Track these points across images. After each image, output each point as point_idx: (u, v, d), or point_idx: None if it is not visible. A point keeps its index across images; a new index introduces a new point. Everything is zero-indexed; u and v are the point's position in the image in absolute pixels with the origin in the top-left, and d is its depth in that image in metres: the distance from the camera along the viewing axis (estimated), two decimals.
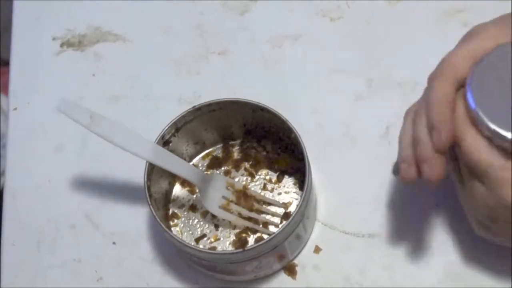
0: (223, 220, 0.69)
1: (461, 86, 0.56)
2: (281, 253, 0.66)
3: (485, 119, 0.54)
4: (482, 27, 0.58)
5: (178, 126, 0.68)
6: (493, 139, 0.54)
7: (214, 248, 0.69)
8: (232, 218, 0.68)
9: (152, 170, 0.66)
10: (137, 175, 0.67)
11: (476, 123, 0.55)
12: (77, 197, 0.74)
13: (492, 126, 0.54)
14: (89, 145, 0.76)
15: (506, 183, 0.53)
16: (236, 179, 0.71)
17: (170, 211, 0.71)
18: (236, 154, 0.73)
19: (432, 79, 0.57)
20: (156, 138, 0.67)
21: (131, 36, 0.82)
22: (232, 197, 0.69)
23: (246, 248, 0.62)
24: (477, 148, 0.54)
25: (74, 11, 0.84)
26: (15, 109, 0.80)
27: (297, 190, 0.71)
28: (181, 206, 0.71)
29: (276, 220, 0.70)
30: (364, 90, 0.76)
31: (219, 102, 0.68)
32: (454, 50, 0.58)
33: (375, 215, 0.70)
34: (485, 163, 0.54)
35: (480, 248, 0.66)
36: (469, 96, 0.55)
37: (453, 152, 0.58)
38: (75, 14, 0.84)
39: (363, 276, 0.68)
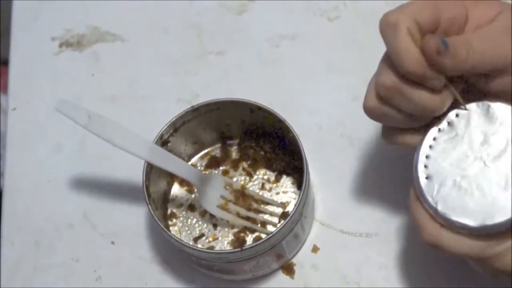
0: (221, 219, 0.69)
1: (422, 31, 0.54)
2: (279, 253, 0.66)
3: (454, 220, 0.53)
4: None
5: (177, 126, 0.68)
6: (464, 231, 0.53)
7: (212, 247, 0.69)
8: (230, 217, 0.69)
9: (151, 170, 0.66)
10: (136, 175, 0.67)
11: (441, 222, 0.54)
12: (76, 196, 0.75)
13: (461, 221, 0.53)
14: (87, 145, 0.77)
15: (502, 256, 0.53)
16: (234, 179, 0.72)
17: (169, 211, 0.71)
18: (234, 153, 0.73)
19: (393, 21, 0.54)
20: (155, 138, 0.67)
21: (130, 36, 0.82)
22: (230, 196, 0.69)
23: (244, 248, 0.62)
24: (457, 244, 0.53)
25: (73, 11, 0.84)
26: (14, 109, 0.80)
27: (295, 189, 0.71)
28: (180, 206, 0.71)
29: (274, 219, 0.70)
30: (362, 90, 0.75)
31: (217, 102, 0.68)
32: (418, 1, 0.55)
33: (373, 214, 0.70)
34: (476, 251, 0.53)
35: None
36: (424, 196, 0.55)
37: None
38: (74, 14, 0.84)
39: (361, 275, 0.68)
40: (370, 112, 0.57)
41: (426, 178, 0.55)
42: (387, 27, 0.54)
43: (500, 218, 0.52)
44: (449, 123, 0.56)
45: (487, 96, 0.56)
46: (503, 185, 0.53)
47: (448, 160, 0.55)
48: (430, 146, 0.56)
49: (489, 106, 0.55)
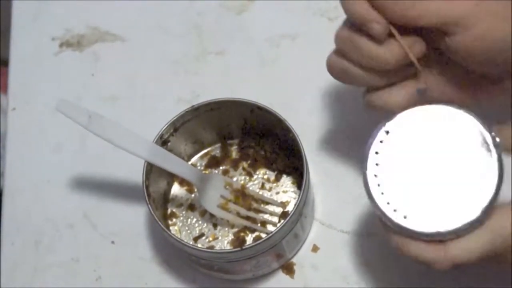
0: (221, 219, 0.69)
1: None
2: (279, 252, 0.66)
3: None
4: None
5: (177, 126, 0.69)
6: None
7: (212, 247, 0.69)
8: (230, 217, 0.69)
9: (151, 169, 0.66)
10: (136, 175, 0.67)
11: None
12: (76, 196, 0.75)
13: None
14: (87, 145, 0.77)
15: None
16: (234, 179, 0.72)
17: (169, 211, 0.71)
18: (234, 153, 0.73)
19: None
20: (155, 138, 0.67)
21: (130, 36, 0.83)
22: (230, 196, 0.69)
23: (244, 247, 0.62)
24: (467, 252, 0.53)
25: (73, 11, 0.84)
26: (14, 109, 0.80)
27: (295, 189, 0.71)
28: (180, 206, 0.71)
29: (274, 219, 0.70)
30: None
31: (217, 102, 0.68)
32: None
33: (373, 214, 0.70)
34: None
35: None
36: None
37: None
38: (74, 14, 0.84)
39: (361, 275, 0.68)
40: (330, 67, 0.59)
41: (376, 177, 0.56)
42: None
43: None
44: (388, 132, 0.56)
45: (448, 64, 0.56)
46: (450, 192, 0.54)
47: (396, 172, 0.55)
48: (376, 164, 0.56)
49: (439, 108, 0.56)
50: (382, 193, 0.55)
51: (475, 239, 0.53)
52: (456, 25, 0.53)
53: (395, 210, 0.54)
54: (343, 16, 0.80)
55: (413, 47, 0.55)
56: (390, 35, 0.55)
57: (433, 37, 0.55)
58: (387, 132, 0.56)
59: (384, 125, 0.56)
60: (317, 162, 0.72)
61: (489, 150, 0.54)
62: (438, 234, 0.53)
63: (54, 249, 0.73)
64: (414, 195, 0.54)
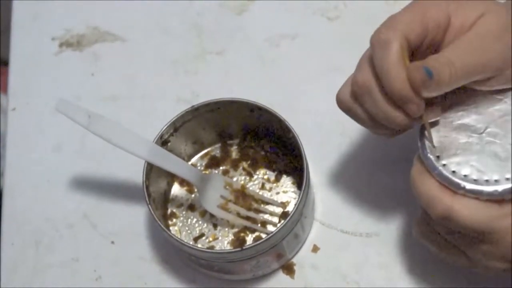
0: (222, 219, 0.69)
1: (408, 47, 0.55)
2: (279, 252, 0.66)
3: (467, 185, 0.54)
4: None
5: (177, 126, 0.69)
6: (480, 197, 0.54)
7: (212, 247, 0.69)
8: (231, 217, 0.69)
9: (151, 169, 0.66)
10: (136, 175, 0.67)
11: (455, 190, 0.54)
12: (76, 196, 0.75)
13: (477, 188, 0.53)
14: (87, 145, 0.77)
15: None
16: (235, 179, 0.72)
17: (169, 211, 0.71)
18: (234, 153, 0.73)
19: (384, 39, 0.54)
20: (155, 138, 0.67)
21: (130, 36, 0.83)
22: (230, 196, 0.69)
23: (244, 247, 0.62)
24: (469, 212, 0.53)
25: (73, 11, 0.84)
26: (14, 109, 0.80)
27: (295, 189, 0.71)
28: (180, 206, 0.71)
29: (274, 219, 0.70)
30: None
31: (217, 102, 0.68)
32: (403, 14, 0.55)
33: (373, 214, 0.70)
34: (485, 221, 0.53)
35: None
36: (434, 165, 0.55)
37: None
38: (74, 14, 0.84)
39: (361, 275, 0.68)
40: (339, 103, 0.59)
41: (434, 147, 0.56)
42: (378, 44, 0.55)
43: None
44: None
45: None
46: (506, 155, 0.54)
47: (454, 131, 0.56)
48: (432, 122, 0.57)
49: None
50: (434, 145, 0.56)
51: (483, 208, 0.53)
52: (492, 73, 0.54)
53: (438, 156, 0.55)
54: (342, 16, 0.81)
55: (429, 115, 0.56)
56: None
57: None
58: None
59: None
60: (317, 162, 0.72)
61: None
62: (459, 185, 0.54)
63: (54, 249, 0.73)
64: (460, 147, 0.55)
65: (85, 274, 0.71)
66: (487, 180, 0.53)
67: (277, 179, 0.71)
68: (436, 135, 0.56)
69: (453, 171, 0.54)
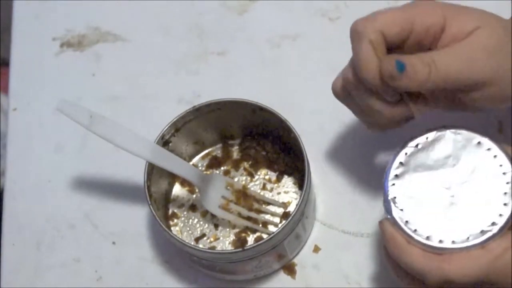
0: (223, 219, 0.69)
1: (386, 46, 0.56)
2: (281, 253, 0.66)
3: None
4: (417, 1, 0.57)
5: (178, 126, 0.69)
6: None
7: (213, 247, 0.69)
8: (232, 217, 0.69)
9: (152, 170, 0.66)
10: (137, 175, 0.67)
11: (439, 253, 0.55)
12: (77, 197, 0.75)
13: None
14: (88, 145, 0.77)
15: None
16: (236, 179, 0.72)
17: (170, 211, 0.71)
18: (235, 154, 0.73)
19: (359, 31, 0.55)
20: (156, 138, 0.67)
21: (131, 36, 0.83)
22: (231, 197, 0.69)
23: (245, 248, 0.62)
24: (464, 269, 0.53)
25: (74, 11, 0.84)
26: (15, 109, 0.80)
27: (297, 189, 0.71)
28: (181, 206, 0.71)
29: (276, 219, 0.70)
30: None
31: (219, 102, 0.68)
32: (387, 11, 0.56)
33: (374, 214, 0.70)
34: (482, 269, 0.53)
35: None
36: (411, 235, 0.56)
37: None
38: (74, 14, 0.84)
39: (362, 276, 0.68)
40: (334, 94, 0.61)
41: (397, 207, 0.57)
42: (353, 34, 0.56)
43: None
44: (416, 147, 0.58)
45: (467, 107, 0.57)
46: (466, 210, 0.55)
47: (416, 185, 0.57)
48: (396, 175, 0.58)
49: (459, 133, 0.58)
50: (397, 205, 0.57)
51: (473, 259, 0.53)
52: (476, 85, 0.55)
53: (407, 222, 0.56)
54: (343, 17, 0.81)
55: (421, 109, 0.57)
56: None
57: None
58: (416, 145, 0.58)
59: (413, 139, 0.59)
60: (318, 163, 0.72)
61: (506, 175, 0.56)
62: (443, 249, 0.54)
63: (55, 249, 0.73)
64: (427, 211, 0.56)
65: (86, 275, 0.71)
66: (468, 238, 0.54)
67: (278, 180, 0.71)
68: (401, 193, 0.57)
69: (427, 237, 0.55)
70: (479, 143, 0.57)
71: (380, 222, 0.57)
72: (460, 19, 0.55)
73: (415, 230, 0.55)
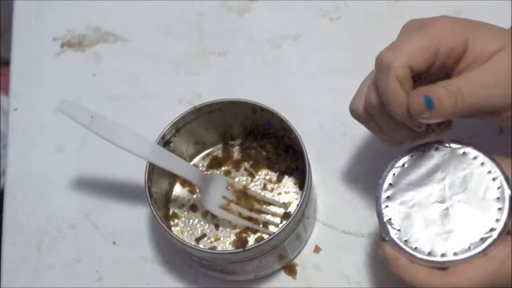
0: (223, 220, 0.69)
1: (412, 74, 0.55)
2: (281, 253, 0.66)
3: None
4: (438, 20, 0.56)
5: (179, 126, 0.69)
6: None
7: (214, 248, 0.69)
8: (232, 218, 0.69)
9: (153, 170, 0.66)
10: (137, 175, 0.67)
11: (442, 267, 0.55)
12: (77, 197, 0.75)
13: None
14: (89, 145, 0.77)
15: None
16: (236, 179, 0.72)
17: (171, 211, 0.71)
18: (236, 154, 0.73)
19: (386, 63, 0.54)
20: (157, 138, 0.67)
21: (131, 36, 0.82)
22: (232, 197, 0.69)
23: (246, 248, 0.62)
24: (470, 281, 0.53)
25: (74, 11, 0.84)
26: (15, 109, 0.80)
27: (297, 190, 0.71)
28: (182, 206, 0.71)
29: (276, 220, 0.70)
30: None
31: (219, 103, 0.68)
32: (411, 38, 0.55)
33: (375, 215, 0.70)
34: (488, 278, 0.53)
35: None
36: (413, 254, 0.56)
37: None
38: (75, 14, 0.84)
39: (363, 276, 0.68)
40: (354, 115, 0.60)
41: (393, 229, 0.57)
42: (379, 66, 0.55)
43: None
44: (411, 159, 0.59)
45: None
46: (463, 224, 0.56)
47: (409, 204, 0.58)
48: (388, 197, 0.59)
49: (443, 147, 0.58)
50: (393, 226, 0.57)
51: (477, 268, 0.53)
52: (503, 109, 0.54)
53: (406, 241, 0.56)
54: (343, 17, 0.81)
55: (446, 133, 0.57)
56: None
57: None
58: (403, 165, 0.59)
59: (399, 159, 0.59)
60: (319, 163, 0.72)
61: (495, 181, 0.56)
62: (447, 262, 0.54)
63: (56, 249, 0.73)
64: (425, 227, 0.56)
65: (87, 275, 0.71)
66: (469, 247, 0.54)
67: (279, 180, 0.71)
68: (395, 214, 0.58)
69: (429, 253, 0.55)
70: (464, 153, 0.57)
71: (379, 247, 0.57)
72: (483, 40, 0.55)
73: (416, 248, 0.55)
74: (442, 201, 0.56)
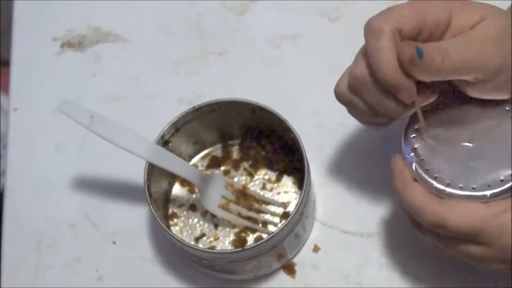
0: (223, 219, 0.69)
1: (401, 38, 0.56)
2: (280, 252, 0.66)
3: (462, 193, 0.55)
4: None
5: (178, 126, 0.69)
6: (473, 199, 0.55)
7: (213, 247, 0.69)
8: (232, 217, 0.69)
9: (152, 170, 0.66)
10: (137, 175, 0.67)
11: (444, 196, 0.56)
12: (77, 197, 0.75)
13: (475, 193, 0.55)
14: (89, 145, 0.77)
15: (506, 228, 0.54)
16: (236, 179, 0.72)
17: (170, 211, 0.71)
18: (235, 154, 0.73)
19: (377, 28, 0.55)
20: (156, 138, 0.67)
21: (131, 36, 0.83)
22: (231, 196, 0.69)
23: (245, 247, 0.62)
24: (460, 217, 0.54)
25: (74, 11, 0.84)
26: (15, 109, 0.80)
27: (296, 189, 0.71)
28: (181, 206, 0.72)
29: (275, 219, 0.70)
30: None
31: (219, 102, 0.68)
32: (402, 5, 0.56)
33: (374, 214, 0.71)
34: (477, 223, 0.54)
35: None
36: (424, 177, 0.57)
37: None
38: (75, 14, 0.84)
39: (362, 275, 0.68)
40: (339, 96, 0.60)
41: (417, 157, 0.57)
42: (369, 32, 0.56)
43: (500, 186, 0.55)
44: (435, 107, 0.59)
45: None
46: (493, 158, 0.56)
47: (437, 139, 0.58)
48: (416, 129, 0.59)
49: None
50: (418, 154, 0.57)
51: (472, 210, 0.54)
52: (486, 74, 0.55)
53: (427, 170, 0.57)
54: (343, 17, 0.81)
55: (421, 100, 0.57)
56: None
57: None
58: (436, 105, 0.59)
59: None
60: (318, 163, 0.72)
61: None
62: (451, 193, 0.55)
63: (56, 249, 0.73)
64: (447, 160, 0.57)
65: (86, 275, 0.71)
66: (474, 188, 0.55)
67: (278, 179, 0.71)
68: (422, 144, 0.58)
69: (436, 177, 0.56)
70: (497, 103, 0.58)
71: (393, 156, 0.58)
72: (465, 13, 0.56)
73: (436, 177, 0.56)
74: (469, 142, 0.57)
